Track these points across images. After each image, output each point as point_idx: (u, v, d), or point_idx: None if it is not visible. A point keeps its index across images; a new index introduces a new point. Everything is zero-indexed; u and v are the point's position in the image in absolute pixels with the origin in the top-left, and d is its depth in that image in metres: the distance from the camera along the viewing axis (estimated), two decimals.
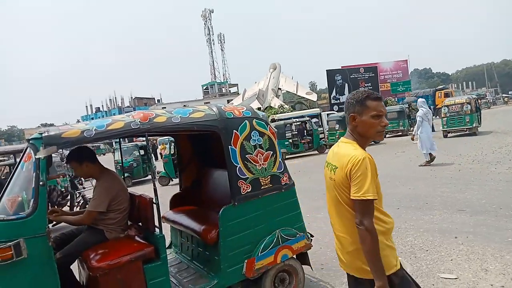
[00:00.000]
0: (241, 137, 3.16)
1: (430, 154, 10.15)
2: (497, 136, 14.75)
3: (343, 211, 1.89)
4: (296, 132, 18.33)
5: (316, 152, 17.54)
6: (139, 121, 2.77)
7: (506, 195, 6.14)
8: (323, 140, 18.75)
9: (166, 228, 3.69)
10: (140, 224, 3.26)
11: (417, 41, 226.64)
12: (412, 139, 10.32)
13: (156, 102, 66.62)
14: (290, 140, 17.40)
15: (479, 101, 20.78)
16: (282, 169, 3.41)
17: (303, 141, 17.50)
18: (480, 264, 3.81)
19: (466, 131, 16.44)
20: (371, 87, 31.97)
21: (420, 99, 11.08)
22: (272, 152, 3.34)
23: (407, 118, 22.44)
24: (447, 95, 30.64)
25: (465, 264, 3.85)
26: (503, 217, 5.11)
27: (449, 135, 16.86)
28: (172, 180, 12.72)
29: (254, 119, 3.30)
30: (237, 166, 3.11)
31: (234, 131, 3.13)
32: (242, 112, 3.30)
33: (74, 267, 3.06)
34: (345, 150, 1.91)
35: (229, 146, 3.09)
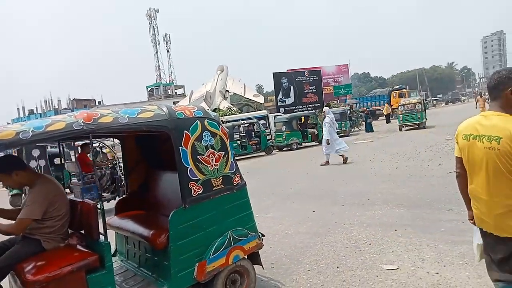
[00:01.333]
0: (192, 138, 3.09)
1: (342, 155, 11.45)
2: (437, 130, 16.07)
3: (501, 178, 1.98)
4: (244, 134, 18.43)
5: (264, 153, 17.76)
6: (82, 122, 2.59)
7: (439, 189, 6.65)
8: (271, 142, 19.05)
9: (111, 236, 3.50)
10: (82, 232, 3.05)
11: (357, 47, 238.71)
12: (328, 143, 11.36)
13: (97, 104, 63.29)
14: (238, 142, 17.45)
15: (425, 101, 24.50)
16: (234, 170, 3.39)
17: (251, 143, 17.64)
18: (418, 254, 4.07)
19: (417, 125, 20.19)
20: (315, 90, 33.12)
21: (326, 108, 12.47)
22: (224, 153, 3.30)
23: (349, 119, 23.55)
24: (401, 96, 32.79)
25: (405, 255, 4.09)
26: (437, 210, 5.52)
27: (403, 128, 20.63)
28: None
29: (206, 119, 3.24)
30: (188, 167, 3.03)
31: (185, 131, 3.05)
32: (194, 112, 3.22)
33: (5, 283, 2.77)
34: (506, 122, 1.96)
35: (180, 147, 3.01)
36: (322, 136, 11.45)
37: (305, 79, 33.02)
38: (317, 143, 19.25)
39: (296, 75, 32.86)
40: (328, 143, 11.29)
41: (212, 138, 3.22)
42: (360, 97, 45.91)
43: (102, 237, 2.77)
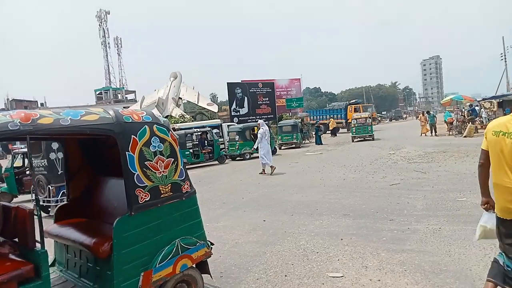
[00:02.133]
0: (140, 143, 2.99)
1: (271, 166, 12.00)
2: (382, 144, 16.89)
3: None
4: (197, 142, 18.20)
5: (217, 162, 17.62)
6: (19, 122, 2.41)
7: (381, 200, 6.99)
8: (224, 151, 18.97)
9: (49, 245, 3.27)
10: (16, 240, 2.82)
11: (309, 62, 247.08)
12: (256, 148, 12.04)
13: (39, 105, 59.50)
14: (191, 150, 17.17)
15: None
16: (184, 177, 3.32)
17: (204, 151, 17.44)
18: (362, 262, 4.23)
19: (368, 137, 23.08)
20: (269, 102, 33.59)
21: (260, 121, 13.28)
22: (173, 159, 3.23)
23: (300, 131, 24.16)
24: (356, 110, 34.26)
25: (349, 263, 4.23)
26: (379, 219, 5.79)
27: (355, 140, 23.22)
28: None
29: (155, 125, 3.16)
30: (135, 173, 2.92)
31: (132, 136, 2.95)
32: (142, 116, 3.13)
33: None
34: None
35: (127, 152, 2.90)
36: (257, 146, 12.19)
37: (259, 90, 33.40)
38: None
39: (250, 86, 33.14)
40: (263, 153, 11.94)
41: (161, 144, 3.15)
42: (318, 110, 47.28)
43: (38, 245, 2.57)
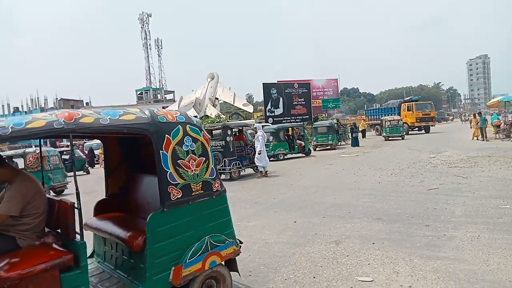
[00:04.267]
0: (174, 142, 3.12)
1: (261, 171, 12.37)
2: (423, 145, 16.37)
3: None
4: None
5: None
6: (63, 121, 2.60)
7: (417, 205, 6.78)
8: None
9: (89, 237, 3.49)
10: (59, 231, 3.03)
11: (348, 62, 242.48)
12: (259, 153, 12.30)
13: (85, 105, 62.73)
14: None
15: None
16: (214, 176, 3.42)
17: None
18: (393, 267, 4.14)
19: (400, 137, 25.94)
20: (304, 102, 33.40)
21: (257, 125, 13.88)
22: (204, 159, 3.33)
23: (336, 133, 23.80)
24: (409, 109, 31.66)
25: (380, 268, 4.16)
26: (414, 225, 5.62)
27: (389, 138, 26.30)
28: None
29: (188, 125, 3.28)
30: (168, 171, 3.05)
31: (166, 135, 3.08)
32: (176, 117, 3.26)
33: None
34: None
35: (161, 151, 3.03)
36: (256, 149, 12.58)
37: (295, 91, 33.30)
38: (303, 155, 19.41)
39: (285, 87, 33.12)
40: (259, 154, 12.25)
41: (194, 144, 3.26)
42: (371, 109, 45.29)
43: (78, 237, 2.76)
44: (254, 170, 13.91)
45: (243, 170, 13.16)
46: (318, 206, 7.38)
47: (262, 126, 22.58)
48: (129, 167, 4.08)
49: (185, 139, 3.20)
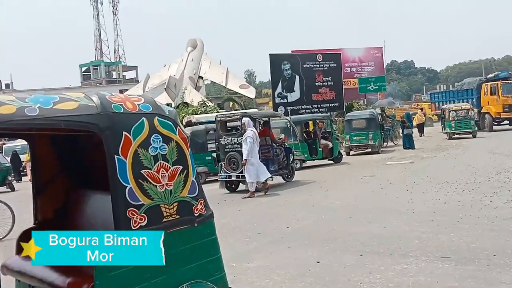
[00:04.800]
0: (135, 143, 3.12)
1: (264, 183, 12.69)
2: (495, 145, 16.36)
3: None
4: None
5: None
6: None
7: (502, 237, 6.77)
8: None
9: (10, 284, 3.48)
10: None
11: (398, 23, 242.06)
12: (244, 164, 12.39)
13: (3, 87, 63.02)
14: (214, 155, 17.47)
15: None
16: (196, 193, 3.42)
17: None
18: None
19: (470, 134, 26.75)
20: (332, 83, 33.42)
21: (245, 119, 13.09)
22: (181, 167, 3.34)
23: (380, 128, 23.81)
24: (492, 92, 30.44)
25: None
26: (497, 266, 5.62)
27: (453, 136, 27.35)
28: None
29: (157, 117, 3.28)
30: (126, 186, 3.05)
31: (124, 133, 3.08)
32: (138, 105, 3.26)
33: None
34: None
35: (116, 156, 3.03)
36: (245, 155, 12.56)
37: (318, 65, 33.29)
38: (331, 161, 19.44)
39: (304, 59, 33.06)
40: (244, 165, 12.43)
41: (165, 145, 3.26)
42: (436, 93, 44.71)
43: None
44: (285, 179, 14.90)
45: (270, 179, 13.56)
46: (352, 238, 7.38)
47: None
48: (69, 180, 4.10)
49: (152, 138, 3.20)
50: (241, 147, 12.84)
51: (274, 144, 14.35)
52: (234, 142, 13.37)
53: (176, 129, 3.38)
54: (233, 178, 13.70)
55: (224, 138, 13.93)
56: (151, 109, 3.31)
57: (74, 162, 4.07)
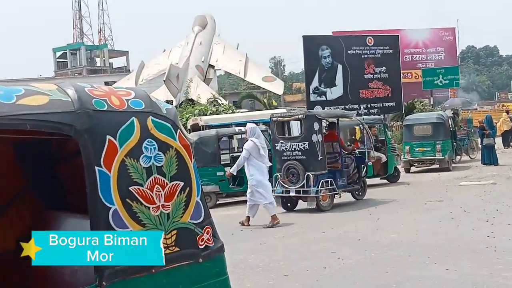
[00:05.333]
0: (122, 151, 3.15)
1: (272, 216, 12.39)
2: None
3: None
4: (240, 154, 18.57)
5: None
6: None
7: None
8: None
9: None
10: None
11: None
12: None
13: None
14: (228, 170, 17.53)
15: None
16: (201, 219, 3.45)
17: None
18: None
19: None
20: (386, 75, 33.27)
21: (250, 125, 13.45)
22: (182, 184, 3.36)
23: (451, 137, 23.58)
24: None
25: None
26: None
27: None
28: None
29: (151, 116, 3.31)
30: (110, 207, 3.08)
31: (108, 137, 3.11)
32: (127, 100, 3.30)
33: None
34: None
35: (97, 167, 3.07)
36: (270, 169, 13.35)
37: (368, 51, 33.18)
38: (385, 181, 19.34)
39: (349, 43, 32.96)
40: (255, 185, 12.40)
41: (161, 154, 3.29)
42: None
43: None
44: (355, 196, 15.53)
45: (337, 195, 14.24)
46: (411, 284, 7.36)
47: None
48: (38, 199, 4.16)
49: (144, 144, 3.23)
50: (302, 154, 13.83)
51: (343, 152, 14.82)
52: (294, 148, 14.01)
53: (176, 133, 3.41)
54: (292, 194, 14.30)
55: (281, 143, 14.56)
56: (143, 106, 3.34)
57: (45, 176, 4.14)
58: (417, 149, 22.77)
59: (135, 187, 3.20)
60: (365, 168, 16.35)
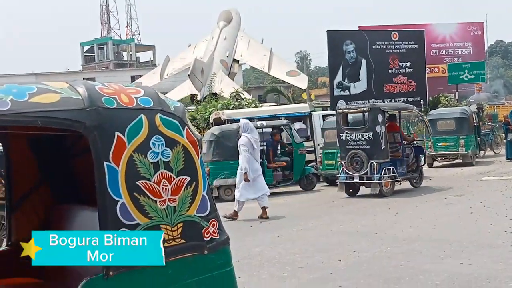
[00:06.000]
0: (130, 146, 3.22)
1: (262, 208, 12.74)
2: None
3: None
4: (263, 148, 18.57)
5: (298, 187, 17.81)
6: None
7: None
8: (313, 166, 19.05)
9: None
10: None
11: None
12: (247, 180, 12.54)
13: None
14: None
15: None
16: (207, 212, 3.51)
17: (274, 166, 17.72)
18: None
19: None
20: (411, 70, 33.03)
21: (243, 120, 13.72)
22: (189, 179, 3.42)
23: (475, 132, 23.38)
24: None
25: None
26: None
27: None
28: None
29: (159, 114, 3.37)
30: (118, 201, 3.15)
31: (116, 133, 3.18)
32: (136, 98, 3.36)
33: None
34: None
35: (105, 162, 3.13)
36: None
37: (392, 46, 32.99)
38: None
39: (373, 38, 32.79)
40: (246, 180, 12.61)
41: (168, 150, 3.36)
42: None
43: None
44: (413, 184, 16.62)
45: (398, 183, 15.41)
46: (424, 278, 7.36)
47: (324, 116, 22.63)
48: (52, 192, 4.27)
49: (152, 140, 3.30)
50: (367, 143, 15.03)
51: (403, 142, 15.93)
52: (359, 138, 15.20)
53: (184, 130, 3.48)
54: (356, 180, 15.48)
55: (346, 133, 15.75)
56: (152, 104, 3.41)
57: (59, 170, 4.24)
58: (440, 144, 22.63)
59: (143, 181, 3.26)
60: (424, 157, 17.81)
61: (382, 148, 14.90)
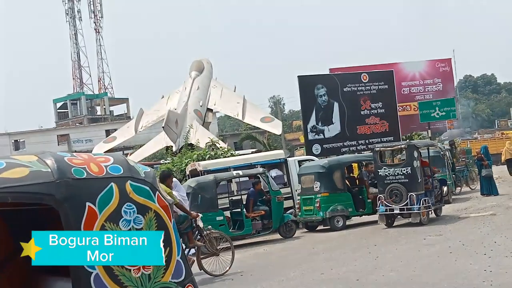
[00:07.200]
0: (102, 216, 3.22)
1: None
2: None
3: None
4: (239, 197, 18.53)
5: (278, 235, 17.75)
6: None
7: None
8: (291, 213, 19.00)
9: None
10: None
11: (469, 30, 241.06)
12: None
13: None
14: (228, 213, 17.48)
15: None
16: (183, 277, 3.51)
17: (253, 215, 17.64)
18: None
19: None
20: (383, 110, 33.37)
21: (174, 179, 13.58)
22: (162, 245, 3.44)
23: (450, 169, 23.57)
24: None
25: None
26: None
27: None
28: None
29: (129, 181, 3.40)
30: (91, 272, 3.16)
31: (87, 204, 3.19)
32: (106, 167, 3.39)
33: None
34: None
35: None
36: None
37: (363, 88, 33.32)
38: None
39: (344, 81, 33.13)
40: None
41: (140, 217, 3.37)
42: None
43: None
44: (437, 213, 17.98)
45: (431, 212, 17.21)
46: None
47: (299, 161, 22.70)
48: (26, 262, 4.23)
49: (123, 208, 3.31)
50: (405, 177, 16.43)
51: (432, 175, 17.87)
52: (397, 173, 16.59)
53: (155, 195, 3.50)
54: (396, 212, 16.71)
55: (384, 169, 17.16)
56: (122, 172, 3.44)
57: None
58: None
59: None
60: (446, 189, 20.31)
61: (419, 181, 16.29)
